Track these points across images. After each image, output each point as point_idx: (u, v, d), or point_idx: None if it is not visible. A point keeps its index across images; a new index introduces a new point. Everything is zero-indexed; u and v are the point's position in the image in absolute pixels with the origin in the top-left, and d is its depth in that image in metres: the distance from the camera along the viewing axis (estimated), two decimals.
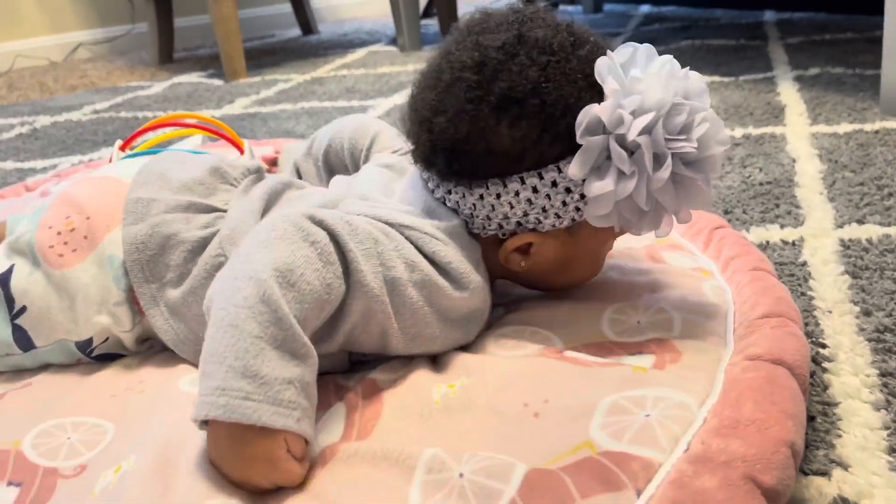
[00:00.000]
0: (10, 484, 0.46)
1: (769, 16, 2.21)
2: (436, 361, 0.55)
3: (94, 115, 1.79)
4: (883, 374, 0.57)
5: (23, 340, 0.60)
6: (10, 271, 0.60)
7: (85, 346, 0.60)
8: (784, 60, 1.61)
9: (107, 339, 0.60)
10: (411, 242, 0.54)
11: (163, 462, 0.45)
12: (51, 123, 1.73)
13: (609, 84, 0.53)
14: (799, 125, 1.17)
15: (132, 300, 0.59)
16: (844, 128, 1.13)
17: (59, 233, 0.60)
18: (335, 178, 0.70)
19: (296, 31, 3.08)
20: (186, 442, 0.46)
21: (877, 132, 1.10)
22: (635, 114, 0.52)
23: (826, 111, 1.22)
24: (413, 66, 2.01)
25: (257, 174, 0.67)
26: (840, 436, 0.51)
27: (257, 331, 0.43)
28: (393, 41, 2.48)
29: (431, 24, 2.78)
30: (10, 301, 0.59)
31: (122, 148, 0.96)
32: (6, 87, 2.36)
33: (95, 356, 0.61)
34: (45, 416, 0.52)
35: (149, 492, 0.43)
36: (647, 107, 0.52)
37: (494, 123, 0.54)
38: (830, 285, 0.70)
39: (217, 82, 2.09)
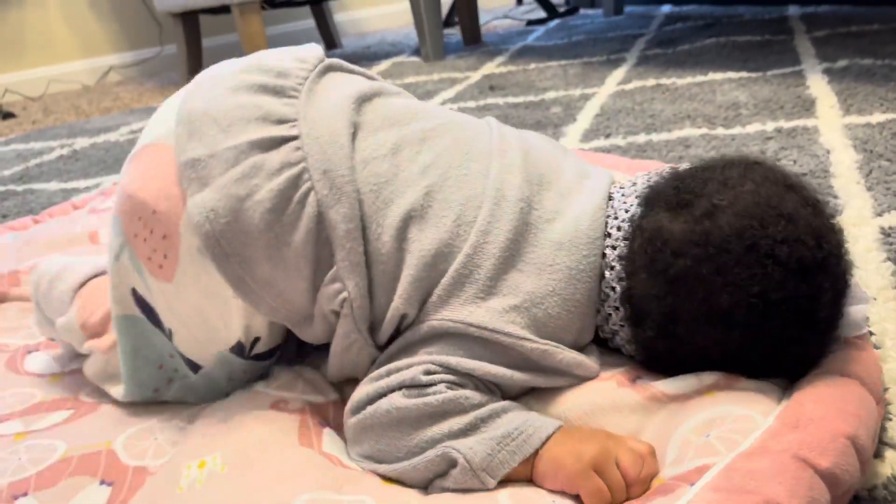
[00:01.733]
0: (102, 483, 0.49)
1: (793, 10, 2.20)
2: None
3: (130, 135, 1.84)
4: None
5: (190, 364, 0.57)
6: (138, 294, 0.55)
7: (238, 350, 0.56)
8: (812, 54, 1.60)
9: (256, 339, 0.56)
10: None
11: (246, 463, 0.47)
12: (90, 145, 1.78)
13: None
14: (831, 117, 1.17)
15: None
16: (878, 118, 1.13)
17: (144, 240, 0.54)
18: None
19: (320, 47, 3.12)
20: (268, 447, 0.49)
21: None
22: None
23: (858, 102, 1.22)
24: (438, 75, 2.04)
25: (318, 64, 0.57)
26: (891, 419, 0.52)
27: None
28: (416, 52, 2.50)
29: (454, 34, 2.80)
30: (169, 334, 0.56)
31: None
32: (41, 111, 2.43)
33: (255, 356, 0.57)
34: (133, 422, 0.55)
35: (234, 490, 0.45)
36: None
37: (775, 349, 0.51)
38: (874, 272, 0.71)
39: None
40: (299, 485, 0.46)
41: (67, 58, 2.90)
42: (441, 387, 0.49)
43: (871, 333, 0.61)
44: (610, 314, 0.55)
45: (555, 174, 0.58)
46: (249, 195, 0.50)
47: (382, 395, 0.50)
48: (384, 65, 2.36)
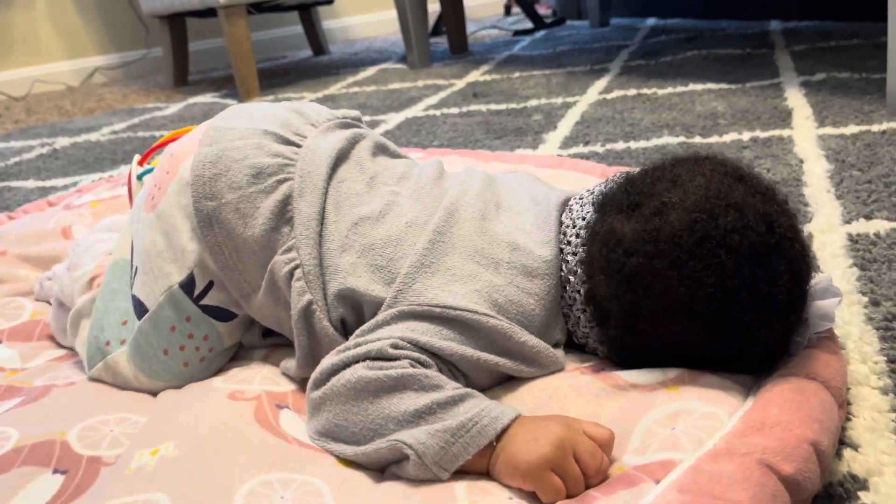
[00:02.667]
0: (55, 472, 0.48)
1: (775, 25, 2.23)
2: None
3: (112, 135, 1.83)
4: (891, 361, 0.57)
5: (137, 307, 0.60)
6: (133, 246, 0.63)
7: (188, 287, 0.59)
8: (790, 67, 1.62)
9: (210, 283, 0.59)
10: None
11: (199, 447, 0.46)
12: (70, 144, 1.77)
13: None
14: (806, 128, 1.18)
15: None
16: (851, 129, 1.14)
17: (155, 183, 0.63)
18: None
19: (307, 52, 3.13)
20: (222, 431, 0.48)
21: (884, 132, 1.11)
22: None
23: (833, 114, 1.23)
24: (423, 81, 2.04)
25: (341, 120, 0.66)
26: (850, 419, 0.52)
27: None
28: (403, 59, 2.51)
29: (441, 42, 2.82)
30: (134, 272, 0.62)
31: (141, 162, 0.99)
32: (25, 111, 2.41)
33: (204, 307, 0.59)
34: (90, 414, 0.54)
35: (185, 473, 0.44)
36: None
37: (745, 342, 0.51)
38: (839, 278, 0.71)
39: (231, 102, 2.12)
40: (251, 467, 0.45)
41: (53, 58, 2.89)
42: (405, 362, 0.49)
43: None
44: (579, 317, 0.57)
45: (513, 200, 0.62)
46: (243, 159, 0.59)
47: (347, 364, 0.50)
48: (371, 71, 2.37)
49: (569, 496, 0.44)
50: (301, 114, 0.65)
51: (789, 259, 0.51)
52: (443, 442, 0.45)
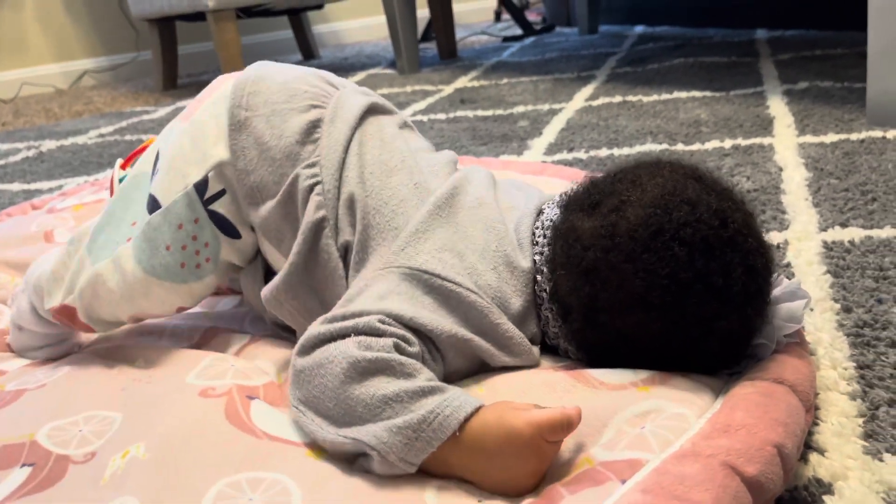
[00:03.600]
0: (23, 465, 0.49)
1: (761, 34, 2.25)
2: None
3: (99, 138, 1.83)
4: (860, 367, 0.58)
5: (151, 203, 0.62)
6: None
7: (202, 187, 0.61)
8: (774, 76, 1.64)
9: (222, 191, 0.62)
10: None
11: (169, 449, 0.47)
12: (57, 147, 1.77)
13: None
14: (786, 136, 1.20)
15: None
16: (831, 138, 1.15)
17: (197, 98, 0.68)
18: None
19: (297, 56, 3.13)
20: (192, 431, 0.49)
21: (862, 141, 1.12)
22: None
23: (813, 122, 1.25)
24: (411, 87, 2.05)
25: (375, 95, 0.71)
26: (817, 423, 0.53)
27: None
28: (392, 64, 2.52)
29: (430, 48, 2.83)
30: (154, 173, 0.64)
31: (124, 166, 0.99)
32: (12, 113, 2.41)
33: (212, 213, 0.62)
34: (59, 414, 0.54)
35: (154, 476, 0.45)
36: None
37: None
38: (813, 284, 0.72)
39: None
40: (221, 467, 0.45)
41: (41, 61, 2.88)
42: (389, 341, 0.50)
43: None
44: (548, 316, 0.58)
45: (508, 198, 0.65)
46: (283, 83, 0.65)
47: (335, 337, 0.51)
48: (360, 76, 2.38)
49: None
50: (342, 79, 0.70)
51: (743, 253, 0.52)
52: (406, 438, 0.45)
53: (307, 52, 3.02)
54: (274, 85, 0.64)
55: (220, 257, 0.63)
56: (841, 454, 0.49)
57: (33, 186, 1.41)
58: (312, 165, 0.61)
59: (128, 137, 1.80)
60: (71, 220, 0.99)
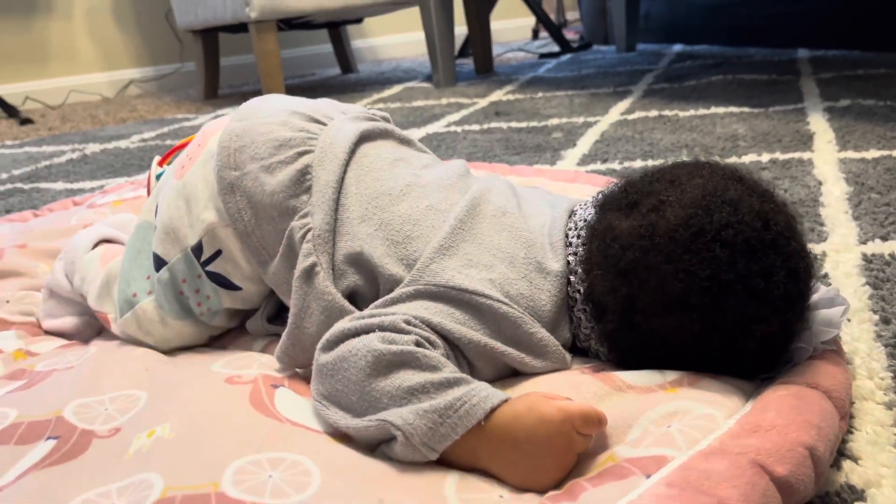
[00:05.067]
0: (48, 438, 0.49)
1: (803, 53, 2.22)
2: None
3: (141, 143, 1.88)
4: None
5: (156, 261, 0.64)
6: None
7: (197, 251, 0.62)
8: (815, 93, 1.62)
9: (218, 252, 0.62)
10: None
11: (193, 429, 0.47)
12: (100, 150, 1.81)
13: None
14: (827, 151, 1.18)
15: None
16: (873, 154, 1.13)
17: (188, 155, 0.67)
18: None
19: (336, 70, 3.18)
20: (217, 413, 0.49)
21: None
22: None
23: (855, 139, 1.22)
24: (446, 99, 2.06)
25: (371, 115, 0.69)
26: (852, 432, 0.51)
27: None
28: (429, 78, 2.54)
29: (467, 63, 2.85)
30: (154, 231, 0.65)
31: (161, 163, 1.01)
32: (60, 119, 2.48)
33: (210, 274, 0.63)
34: (85, 394, 0.55)
35: (177, 454, 0.45)
36: None
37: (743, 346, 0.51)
38: (851, 296, 0.70)
39: None
40: (242, 447, 0.46)
41: (89, 69, 2.97)
42: (412, 338, 0.49)
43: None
44: (580, 318, 0.57)
45: (531, 205, 0.63)
46: (267, 133, 0.63)
47: (358, 332, 0.50)
48: (396, 89, 2.40)
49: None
50: (333, 105, 0.69)
51: (785, 256, 0.51)
52: (431, 422, 0.45)
53: (345, 66, 3.06)
54: (259, 137, 0.62)
55: (223, 306, 0.65)
56: (875, 462, 0.48)
57: (76, 186, 1.44)
58: (306, 216, 0.59)
59: (168, 142, 1.84)
60: (110, 216, 1.01)
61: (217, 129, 0.66)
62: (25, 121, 2.41)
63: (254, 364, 0.58)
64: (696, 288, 0.50)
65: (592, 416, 0.45)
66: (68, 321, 0.73)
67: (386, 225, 0.58)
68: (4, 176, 1.59)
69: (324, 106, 0.68)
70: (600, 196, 0.60)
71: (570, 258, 0.57)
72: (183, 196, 0.64)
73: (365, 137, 0.64)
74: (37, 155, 1.82)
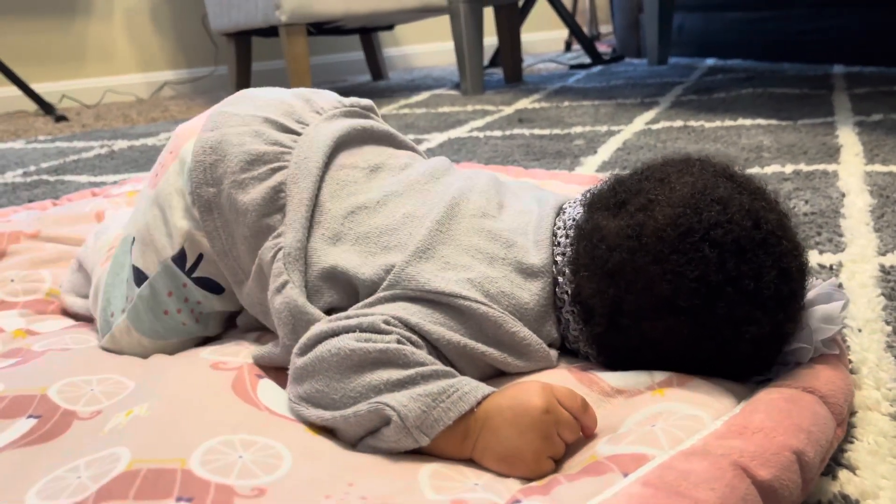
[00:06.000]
0: (29, 416, 0.49)
1: (838, 69, 2.17)
2: None
3: (168, 141, 1.90)
4: None
5: (136, 275, 0.62)
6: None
7: (180, 261, 0.61)
8: (847, 107, 1.58)
9: (200, 256, 0.60)
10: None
11: (170, 409, 0.47)
12: (128, 146, 1.84)
13: None
14: (854, 164, 1.14)
15: None
16: None
17: (161, 162, 0.65)
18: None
19: (367, 77, 3.19)
20: (196, 396, 0.49)
21: None
22: None
23: (884, 153, 1.19)
24: (472, 106, 2.06)
25: (349, 108, 0.66)
26: (852, 442, 0.49)
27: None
28: (457, 86, 2.54)
29: (496, 73, 2.84)
30: (132, 243, 0.63)
31: None
32: (94, 117, 2.53)
33: (197, 279, 0.61)
34: (74, 374, 0.55)
35: (151, 431, 0.45)
36: None
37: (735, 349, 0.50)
38: (864, 306, 0.68)
39: None
40: (217, 428, 0.45)
41: (125, 70, 3.03)
42: (394, 337, 0.48)
43: (848, 361, 0.58)
44: (569, 319, 0.56)
45: (516, 201, 0.62)
46: (240, 145, 0.60)
47: (336, 333, 0.49)
48: (424, 95, 2.40)
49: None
50: (307, 101, 0.65)
51: (777, 255, 0.49)
52: (424, 406, 0.44)
53: (376, 73, 3.08)
54: (232, 149, 0.59)
55: (215, 309, 0.63)
56: (874, 473, 0.45)
57: (99, 179, 1.47)
58: (278, 236, 0.57)
59: None
60: (124, 205, 1.03)
61: (189, 135, 0.63)
62: (60, 118, 2.46)
63: (242, 352, 0.58)
64: (685, 289, 0.48)
65: (575, 395, 0.45)
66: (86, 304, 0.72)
67: (363, 239, 0.56)
68: (32, 168, 1.62)
69: (298, 105, 0.64)
70: (589, 194, 0.58)
71: (559, 258, 0.56)
72: (157, 205, 0.62)
73: (341, 145, 0.62)
74: (66, 149, 1.85)
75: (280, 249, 0.56)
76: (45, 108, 2.55)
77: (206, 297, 0.62)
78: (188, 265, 0.61)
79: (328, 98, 0.66)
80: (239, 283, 0.60)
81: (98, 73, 2.97)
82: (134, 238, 0.63)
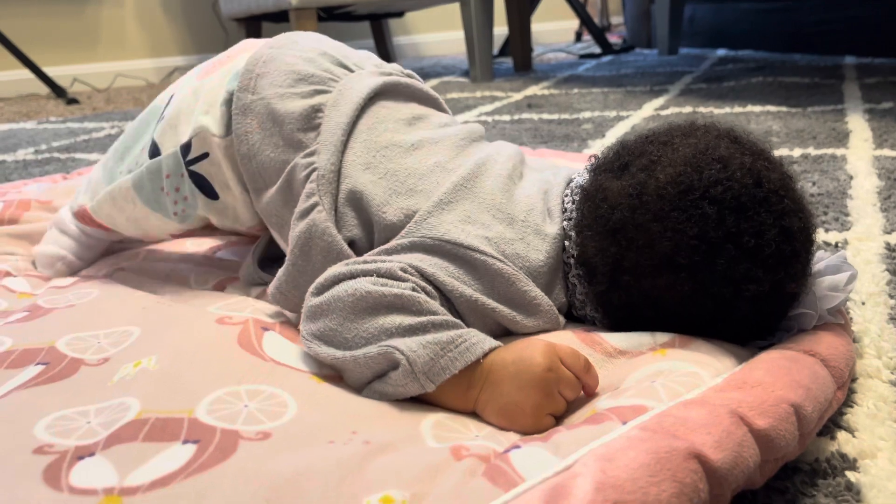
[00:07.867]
0: (38, 364, 0.50)
1: (849, 60, 2.16)
2: None
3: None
4: None
5: (153, 148, 0.65)
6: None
7: (185, 149, 0.63)
8: (857, 96, 1.57)
9: (205, 154, 0.62)
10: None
11: (177, 362, 0.48)
12: None
13: None
14: (862, 149, 1.14)
15: (231, 104, 0.63)
16: None
17: (218, 60, 0.68)
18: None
19: None
20: (202, 349, 0.50)
21: None
22: None
23: (894, 138, 1.18)
24: (481, 93, 2.06)
25: (402, 72, 0.68)
26: (851, 406, 0.49)
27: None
28: (466, 74, 2.54)
29: (506, 61, 2.84)
30: (160, 119, 0.66)
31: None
32: (105, 100, 2.54)
33: (193, 174, 0.63)
34: (81, 329, 0.56)
35: (158, 383, 0.45)
36: None
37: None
38: (869, 281, 0.68)
39: None
40: (223, 379, 0.46)
41: (137, 55, 3.04)
42: (409, 284, 0.49)
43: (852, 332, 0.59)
44: (575, 283, 0.56)
45: (534, 172, 0.63)
46: (292, 65, 0.63)
47: (353, 276, 0.50)
48: (433, 82, 2.40)
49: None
50: (370, 58, 0.68)
51: (778, 213, 0.49)
52: (432, 353, 0.45)
53: (385, 60, 3.08)
54: (283, 66, 0.63)
55: (197, 212, 0.65)
56: (872, 435, 0.46)
57: None
58: (311, 154, 0.59)
59: None
60: None
61: (251, 47, 0.67)
62: (71, 101, 2.48)
63: (247, 308, 0.59)
64: (685, 246, 0.49)
65: (577, 353, 0.46)
66: (65, 241, 0.75)
67: (391, 175, 0.57)
68: (44, 147, 1.63)
69: (359, 56, 0.67)
70: (594, 160, 0.59)
71: (566, 223, 0.57)
72: (196, 94, 0.65)
73: (387, 91, 0.63)
74: (77, 130, 1.86)
75: (314, 170, 0.57)
76: (57, 91, 2.57)
77: (194, 195, 0.64)
78: (190, 156, 0.63)
79: (391, 65, 0.69)
80: (257, 190, 0.62)
81: (109, 58, 2.99)
82: (164, 116, 0.66)
